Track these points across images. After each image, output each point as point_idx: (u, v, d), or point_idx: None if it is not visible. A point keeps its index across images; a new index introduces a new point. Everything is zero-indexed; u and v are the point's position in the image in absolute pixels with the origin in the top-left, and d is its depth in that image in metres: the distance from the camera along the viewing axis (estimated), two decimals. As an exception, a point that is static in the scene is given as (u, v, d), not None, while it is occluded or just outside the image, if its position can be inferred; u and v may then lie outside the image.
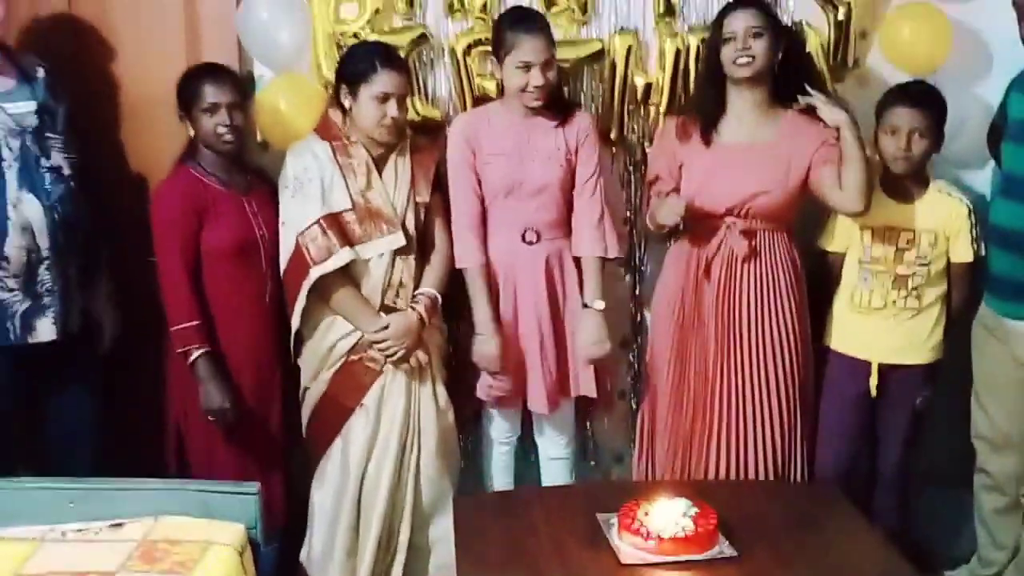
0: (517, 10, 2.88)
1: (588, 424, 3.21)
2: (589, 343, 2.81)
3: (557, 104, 2.84)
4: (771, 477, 2.78)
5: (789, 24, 2.99)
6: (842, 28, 3.03)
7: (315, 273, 2.67)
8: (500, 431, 3.00)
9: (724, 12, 2.73)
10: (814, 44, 3.03)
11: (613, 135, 3.10)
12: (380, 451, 2.77)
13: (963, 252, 2.77)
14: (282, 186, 2.76)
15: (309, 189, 2.70)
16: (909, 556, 2.33)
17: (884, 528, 2.68)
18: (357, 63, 2.71)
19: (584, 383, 2.88)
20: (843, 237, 2.88)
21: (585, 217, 2.83)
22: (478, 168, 2.81)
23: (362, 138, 2.75)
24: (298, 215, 2.70)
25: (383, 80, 2.67)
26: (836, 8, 3.02)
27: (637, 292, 3.21)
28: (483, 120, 2.87)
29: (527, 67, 2.70)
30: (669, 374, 2.84)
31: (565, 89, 3.03)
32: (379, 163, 2.78)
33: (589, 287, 2.82)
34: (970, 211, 2.77)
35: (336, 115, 2.80)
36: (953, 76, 3.04)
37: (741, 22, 2.67)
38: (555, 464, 3.02)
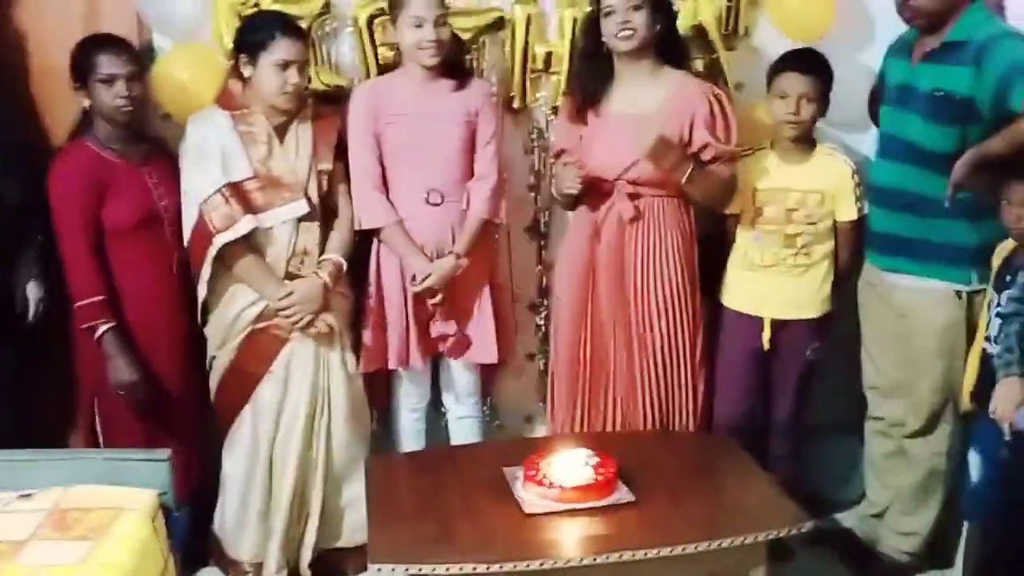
0: None
1: (492, 387, 3.30)
2: (427, 281, 2.85)
3: (456, 69, 2.91)
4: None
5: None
6: (736, -2, 3.15)
7: (219, 241, 2.69)
8: (409, 397, 3.06)
9: None
10: (707, 13, 3.14)
11: (516, 104, 3.17)
12: (289, 417, 2.82)
13: (848, 211, 2.91)
14: (183, 156, 2.76)
15: (210, 159, 2.71)
16: (800, 501, 2.45)
17: (777, 475, 2.81)
18: (256, 32, 2.73)
19: (484, 350, 2.97)
20: (738, 199, 2.99)
21: (480, 181, 2.91)
22: (380, 130, 2.87)
23: (262, 107, 2.78)
24: (200, 184, 2.71)
25: (282, 47, 2.70)
26: (731, -20, 3.13)
27: (543, 256, 3.30)
28: (385, 85, 2.93)
29: (419, 23, 2.76)
30: (569, 334, 2.94)
31: (468, 58, 3.09)
32: (280, 132, 2.81)
33: (461, 240, 2.89)
34: (854, 172, 2.90)
35: (236, 85, 2.81)
36: (838, 43, 3.18)
37: None
38: (464, 423, 3.11)
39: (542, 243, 3.30)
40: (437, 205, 2.88)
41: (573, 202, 2.91)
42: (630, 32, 2.73)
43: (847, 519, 3.17)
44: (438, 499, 2.38)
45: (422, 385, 3.07)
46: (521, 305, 3.29)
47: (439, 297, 2.88)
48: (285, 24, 2.75)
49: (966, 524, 2.82)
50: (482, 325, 2.97)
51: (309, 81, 2.95)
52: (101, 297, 2.68)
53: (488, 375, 3.18)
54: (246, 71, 2.75)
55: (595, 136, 2.85)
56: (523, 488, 2.33)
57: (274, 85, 2.72)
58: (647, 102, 2.82)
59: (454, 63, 2.91)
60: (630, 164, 2.79)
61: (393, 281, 2.92)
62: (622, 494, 2.32)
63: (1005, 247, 2.67)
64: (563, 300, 2.97)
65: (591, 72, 2.86)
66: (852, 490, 3.25)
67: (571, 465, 2.32)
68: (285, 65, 2.70)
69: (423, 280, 2.85)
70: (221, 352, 2.83)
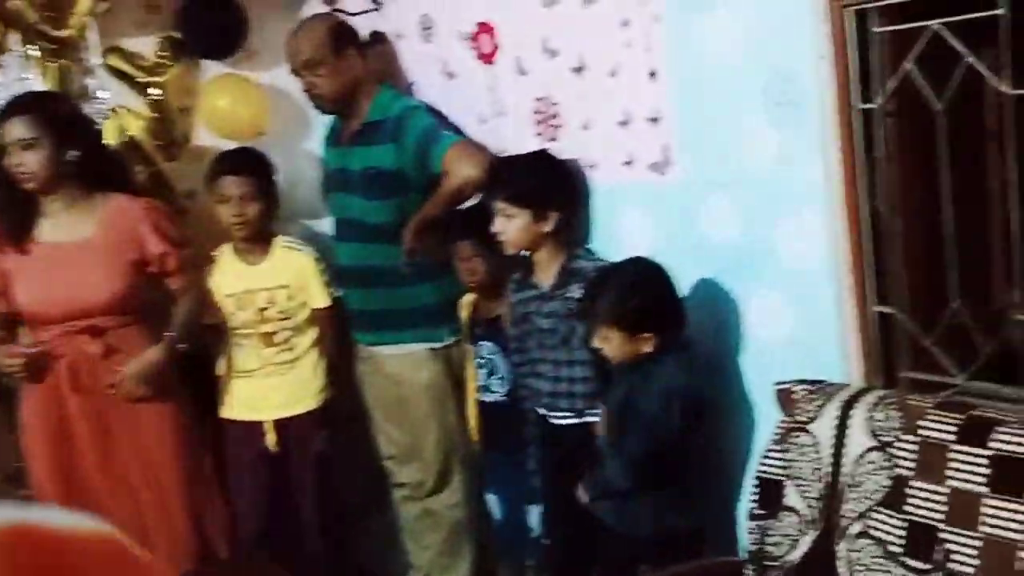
0: None
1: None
2: None
3: None
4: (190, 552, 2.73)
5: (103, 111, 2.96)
6: (160, 108, 3.08)
7: None
8: None
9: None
10: (135, 127, 3.04)
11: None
12: None
13: (319, 298, 2.93)
14: None
15: None
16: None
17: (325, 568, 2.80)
18: None
19: None
20: (212, 309, 2.91)
21: None
22: None
23: None
24: None
25: None
26: (147, 90, 3.05)
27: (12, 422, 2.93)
28: None
29: None
30: (56, 495, 2.64)
31: None
32: None
33: None
34: (316, 260, 2.93)
35: None
36: (282, 137, 3.25)
37: (12, 134, 2.55)
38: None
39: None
40: None
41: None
42: (28, 175, 2.55)
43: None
44: None
45: None
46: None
47: None
48: None
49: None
50: None
51: None
52: None
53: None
54: None
55: (29, 274, 2.62)
56: None
57: None
58: (81, 230, 2.64)
59: None
60: (78, 297, 2.59)
61: None
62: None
63: (467, 301, 2.85)
64: (42, 464, 2.67)
65: (7, 203, 2.62)
66: (401, 560, 3.27)
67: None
68: None
69: None
70: None
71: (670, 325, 2.18)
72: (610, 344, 2.17)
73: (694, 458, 2.21)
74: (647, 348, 2.15)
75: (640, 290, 2.15)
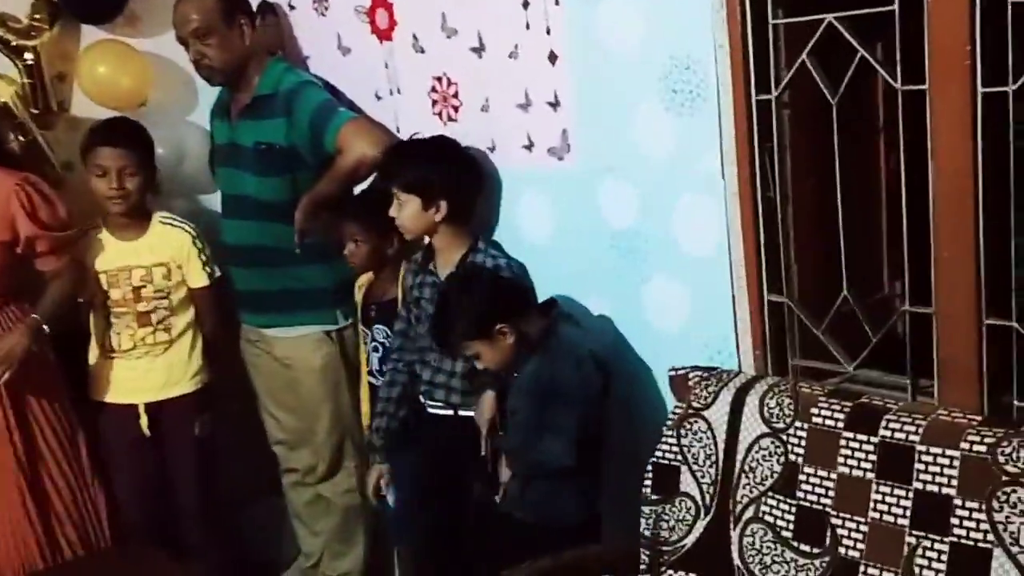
0: None
1: None
2: None
3: None
4: (79, 549, 2.65)
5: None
6: (34, 74, 2.90)
7: None
8: None
9: None
10: (8, 93, 2.86)
11: None
12: None
13: (197, 277, 2.81)
14: None
15: None
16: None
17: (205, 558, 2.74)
18: None
19: None
20: (87, 287, 2.76)
21: None
22: None
23: None
24: None
25: None
26: (21, 54, 2.87)
27: None
28: None
29: None
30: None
31: None
32: None
33: None
34: (195, 237, 2.80)
35: None
36: (166, 107, 3.10)
37: None
38: None
39: None
40: None
41: None
42: None
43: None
44: None
45: None
46: None
47: None
48: None
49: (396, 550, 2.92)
50: None
51: None
52: None
53: None
54: None
55: None
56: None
57: None
58: None
59: None
60: None
61: None
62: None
63: (362, 282, 2.78)
64: None
65: None
66: (289, 547, 3.19)
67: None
68: None
69: None
70: None
71: (519, 311, 2.17)
72: (482, 357, 2.18)
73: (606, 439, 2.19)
74: (511, 341, 2.15)
75: (476, 295, 2.16)
